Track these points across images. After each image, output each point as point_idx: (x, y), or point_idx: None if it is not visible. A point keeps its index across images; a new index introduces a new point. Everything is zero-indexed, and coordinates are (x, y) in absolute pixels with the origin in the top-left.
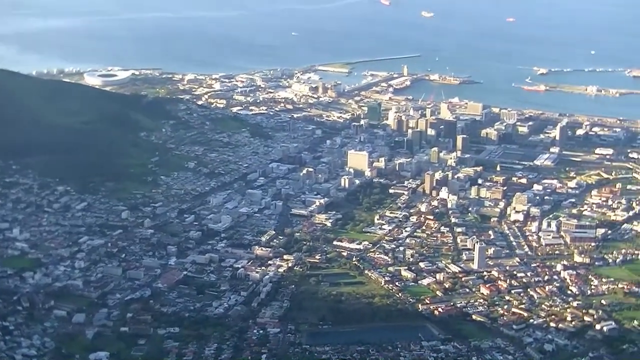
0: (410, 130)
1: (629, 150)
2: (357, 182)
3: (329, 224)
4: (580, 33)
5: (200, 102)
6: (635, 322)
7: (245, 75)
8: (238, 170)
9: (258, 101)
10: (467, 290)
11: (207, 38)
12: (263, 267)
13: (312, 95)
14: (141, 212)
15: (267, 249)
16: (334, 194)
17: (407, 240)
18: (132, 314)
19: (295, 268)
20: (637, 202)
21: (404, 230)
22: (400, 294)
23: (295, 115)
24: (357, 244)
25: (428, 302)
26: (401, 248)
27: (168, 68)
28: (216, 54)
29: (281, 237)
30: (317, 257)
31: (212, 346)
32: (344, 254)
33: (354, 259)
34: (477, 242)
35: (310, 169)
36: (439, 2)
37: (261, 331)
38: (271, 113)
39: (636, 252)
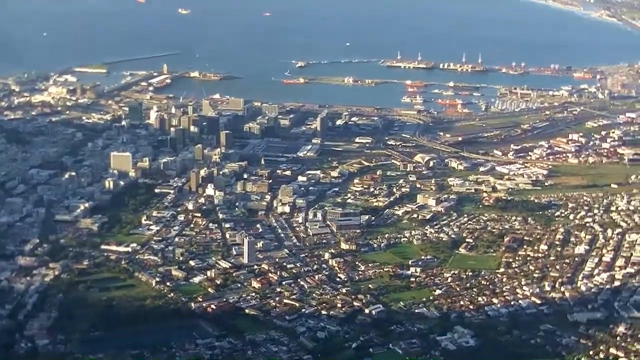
0: (173, 129)
1: (386, 138)
2: (122, 183)
3: (95, 228)
4: (334, 25)
5: None
6: (401, 303)
7: None
8: None
9: (13, 106)
10: (239, 285)
11: None
12: (28, 278)
13: (71, 98)
14: None
15: (31, 258)
16: (99, 197)
17: (176, 239)
18: None
19: (62, 276)
20: (397, 188)
21: (172, 230)
22: (172, 294)
23: (53, 119)
24: (125, 246)
25: (201, 299)
26: (170, 247)
27: None
28: None
29: (46, 245)
30: (85, 262)
31: None
32: (113, 257)
33: (123, 262)
34: (245, 236)
35: (73, 173)
36: None
37: (29, 344)
38: (28, 118)
39: (399, 236)
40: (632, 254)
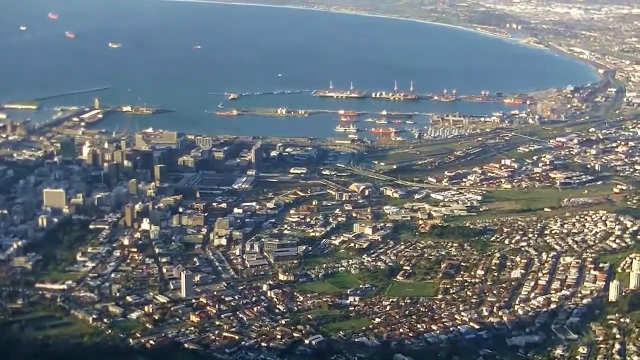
0: (106, 164)
1: (321, 168)
2: (56, 220)
3: (29, 267)
4: (267, 57)
5: None
6: (341, 333)
7: None
8: None
9: None
10: (178, 319)
11: None
12: None
13: (0, 135)
14: None
15: None
16: (32, 235)
17: (113, 275)
18: None
19: None
20: (334, 217)
21: (108, 266)
22: (109, 331)
23: None
24: (61, 284)
25: (139, 335)
26: (107, 284)
27: None
28: None
29: None
30: (19, 302)
31: None
32: (48, 295)
33: (58, 300)
34: (183, 270)
35: (4, 211)
36: (126, 33)
37: None
38: None
39: (336, 265)
40: (567, 276)
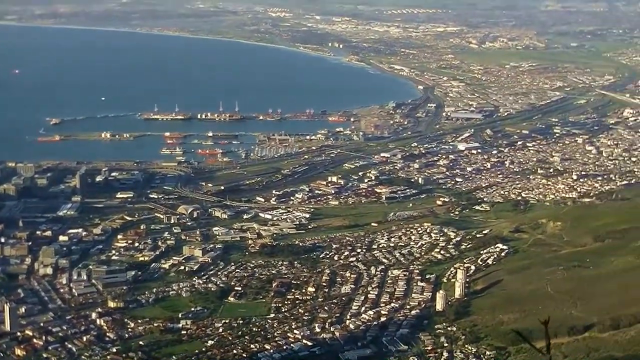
0: None
1: (148, 191)
2: None
3: None
4: (89, 80)
5: None
6: (174, 358)
7: None
8: None
9: None
10: (2, 354)
11: None
12: None
13: None
14: None
15: None
16: None
17: None
18: None
19: None
20: (163, 241)
21: None
22: None
23: None
24: None
25: None
26: None
27: None
28: None
29: None
30: None
31: None
32: None
33: None
34: (6, 302)
35: None
36: None
37: None
38: None
39: (167, 289)
40: (395, 289)
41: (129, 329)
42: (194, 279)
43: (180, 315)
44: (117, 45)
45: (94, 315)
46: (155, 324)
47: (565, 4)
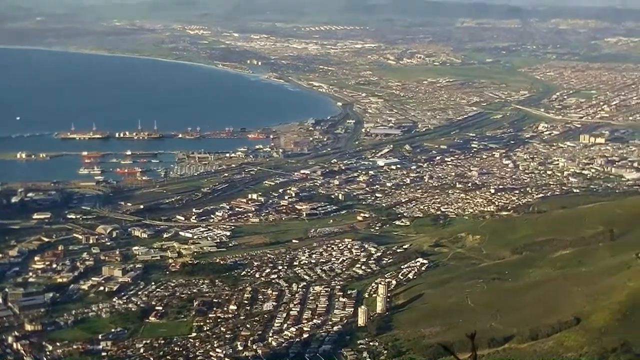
0: None
1: (66, 212)
2: None
3: None
4: (2, 100)
5: None
6: None
7: None
8: None
9: None
10: None
11: None
12: None
13: None
14: None
15: None
16: None
17: None
18: None
19: None
20: (81, 262)
21: None
22: None
23: None
24: None
25: None
26: None
27: None
28: None
29: None
30: None
31: None
32: None
33: None
34: None
35: None
36: None
37: None
38: None
39: (86, 310)
40: (317, 305)
41: (48, 352)
42: (114, 299)
43: (100, 337)
44: (32, 64)
45: (10, 339)
46: (74, 346)
47: (480, 21)
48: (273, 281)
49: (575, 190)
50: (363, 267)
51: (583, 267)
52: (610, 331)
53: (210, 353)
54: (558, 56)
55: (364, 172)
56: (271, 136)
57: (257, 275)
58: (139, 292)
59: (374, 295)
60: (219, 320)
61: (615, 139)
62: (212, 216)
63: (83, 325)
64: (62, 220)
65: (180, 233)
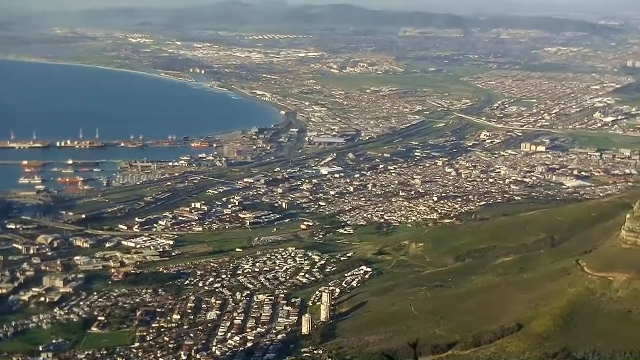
0: None
1: (6, 222)
2: None
3: None
4: None
5: None
6: None
7: None
8: None
9: None
10: None
11: None
12: None
13: None
14: None
15: None
16: None
17: None
18: None
19: None
20: (22, 272)
21: None
22: None
23: None
24: None
25: None
26: None
27: None
28: None
29: None
30: None
31: None
32: None
33: None
34: None
35: None
36: None
37: None
38: None
39: (27, 322)
40: (261, 314)
41: None
42: (56, 310)
43: (41, 349)
44: None
45: None
46: (14, 359)
47: (423, 30)
48: (217, 290)
49: (516, 198)
50: (307, 276)
51: (525, 273)
52: (552, 337)
53: None
54: (499, 65)
55: (307, 181)
56: (214, 145)
57: (200, 285)
58: (81, 303)
59: (318, 304)
60: (162, 330)
61: (556, 147)
62: (155, 225)
63: (23, 336)
64: (2, 230)
65: (123, 243)
